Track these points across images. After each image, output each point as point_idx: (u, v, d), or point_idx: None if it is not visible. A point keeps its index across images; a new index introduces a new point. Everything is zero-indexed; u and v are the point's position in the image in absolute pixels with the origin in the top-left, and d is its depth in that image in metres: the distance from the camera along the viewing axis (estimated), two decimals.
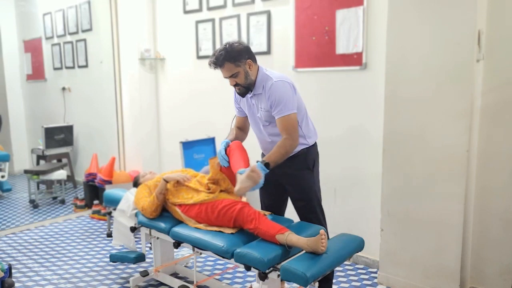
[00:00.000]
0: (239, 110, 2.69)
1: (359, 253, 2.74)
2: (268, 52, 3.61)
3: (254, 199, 3.25)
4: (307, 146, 2.51)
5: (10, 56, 5.96)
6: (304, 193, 2.54)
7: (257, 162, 2.31)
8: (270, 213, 2.63)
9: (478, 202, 2.67)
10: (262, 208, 2.75)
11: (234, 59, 2.37)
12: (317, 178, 2.61)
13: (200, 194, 2.61)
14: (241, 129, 2.71)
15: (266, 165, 2.30)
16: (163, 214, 2.77)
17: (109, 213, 3.48)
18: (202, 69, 4.21)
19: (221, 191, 2.63)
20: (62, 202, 4.98)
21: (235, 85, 2.44)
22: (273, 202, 2.72)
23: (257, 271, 2.19)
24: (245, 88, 2.44)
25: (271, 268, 2.17)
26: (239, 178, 2.28)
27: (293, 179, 2.54)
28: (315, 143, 2.60)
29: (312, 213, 2.56)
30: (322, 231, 2.14)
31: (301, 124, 2.47)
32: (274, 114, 2.39)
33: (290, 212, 2.75)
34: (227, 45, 2.39)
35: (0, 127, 5.50)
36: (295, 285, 2.62)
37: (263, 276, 2.16)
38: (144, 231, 2.88)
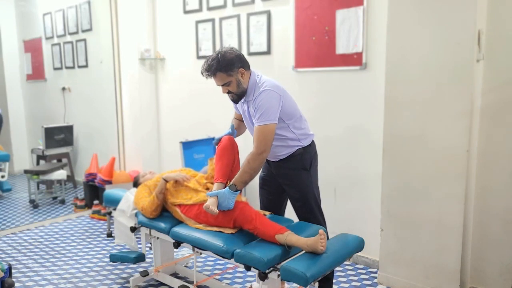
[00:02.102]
0: (236, 109, 2.70)
1: (359, 253, 2.74)
2: (268, 52, 3.61)
3: (254, 198, 3.25)
4: (302, 146, 2.51)
5: (10, 56, 5.96)
6: (301, 193, 2.54)
7: (227, 187, 2.36)
8: (270, 213, 2.63)
9: (478, 202, 2.67)
10: (261, 208, 2.76)
11: (225, 68, 2.36)
12: (315, 178, 2.60)
13: (199, 195, 2.61)
14: (242, 121, 2.73)
15: (233, 187, 2.33)
16: (163, 214, 2.77)
17: (109, 213, 3.48)
18: None
19: None
20: (62, 202, 4.98)
21: (228, 93, 2.46)
22: (272, 202, 2.72)
23: (257, 271, 2.19)
24: (237, 96, 2.45)
25: (271, 268, 2.17)
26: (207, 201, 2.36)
27: (290, 179, 2.55)
28: (313, 142, 2.59)
29: (310, 213, 2.56)
30: (321, 230, 2.14)
31: (293, 128, 2.47)
32: (254, 121, 2.39)
33: (290, 212, 2.75)
34: (219, 55, 2.37)
35: (0, 127, 5.50)
36: (295, 285, 2.62)
37: (263, 276, 2.17)
38: (144, 231, 2.88)
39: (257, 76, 2.46)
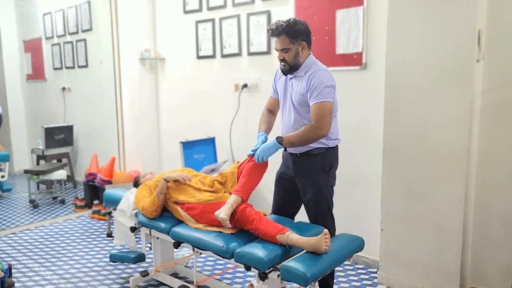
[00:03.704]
0: (274, 91, 2.67)
1: (359, 253, 2.73)
2: (268, 52, 3.61)
3: (257, 199, 3.24)
4: (326, 147, 2.48)
5: (10, 56, 5.96)
6: (314, 194, 2.49)
7: (276, 138, 2.38)
8: (269, 213, 2.63)
9: (478, 202, 2.67)
10: (273, 210, 2.72)
11: (291, 35, 2.36)
12: (332, 183, 2.56)
13: (203, 194, 2.61)
14: (271, 111, 2.70)
15: (280, 138, 2.36)
16: (163, 214, 2.77)
17: (109, 213, 3.48)
18: (202, 69, 4.21)
19: (224, 192, 2.63)
20: (62, 202, 4.98)
21: (282, 60, 2.44)
22: (285, 204, 2.67)
23: (257, 271, 2.19)
24: (290, 67, 2.43)
25: (271, 268, 2.17)
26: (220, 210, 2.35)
27: (307, 178, 2.50)
28: (336, 146, 2.56)
29: (320, 216, 2.51)
30: (325, 230, 2.14)
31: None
32: (310, 100, 2.37)
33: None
34: (291, 20, 2.38)
35: (0, 126, 5.52)
36: (295, 285, 2.62)
37: (263, 276, 2.17)
38: (144, 231, 2.88)
39: (314, 59, 2.48)
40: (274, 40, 2.44)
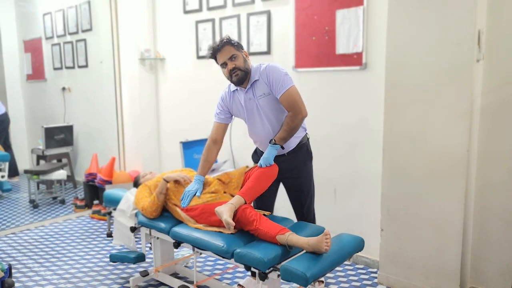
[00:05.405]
0: (223, 114, 2.67)
1: (359, 253, 2.74)
2: (268, 52, 3.61)
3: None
4: (305, 131, 2.62)
5: (10, 56, 5.96)
6: (307, 186, 2.65)
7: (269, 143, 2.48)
8: (269, 213, 2.64)
9: (478, 202, 2.67)
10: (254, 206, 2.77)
11: (234, 43, 2.49)
12: None
13: (202, 195, 2.61)
14: (216, 142, 2.70)
15: (272, 141, 2.45)
16: (163, 214, 2.77)
17: (109, 213, 3.48)
18: (202, 69, 4.21)
19: (224, 192, 2.63)
20: (62, 202, 4.98)
21: (233, 70, 2.46)
22: (267, 200, 2.75)
23: (246, 271, 2.18)
24: (243, 72, 2.48)
25: (271, 268, 2.17)
26: (222, 208, 2.34)
27: (300, 172, 2.62)
28: None
29: (310, 207, 2.67)
30: (326, 230, 2.15)
31: None
32: (277, 93, 2.45)
33: (290, 211, 2.76)
34: (227, 36, 2.53)
35: (8, 126, 5.53)
36: (295, 285, 2.62)
37: (263, 276, 2.17)
38: (144, 231, 2.88)
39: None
40: (218, 58, 2.49)
